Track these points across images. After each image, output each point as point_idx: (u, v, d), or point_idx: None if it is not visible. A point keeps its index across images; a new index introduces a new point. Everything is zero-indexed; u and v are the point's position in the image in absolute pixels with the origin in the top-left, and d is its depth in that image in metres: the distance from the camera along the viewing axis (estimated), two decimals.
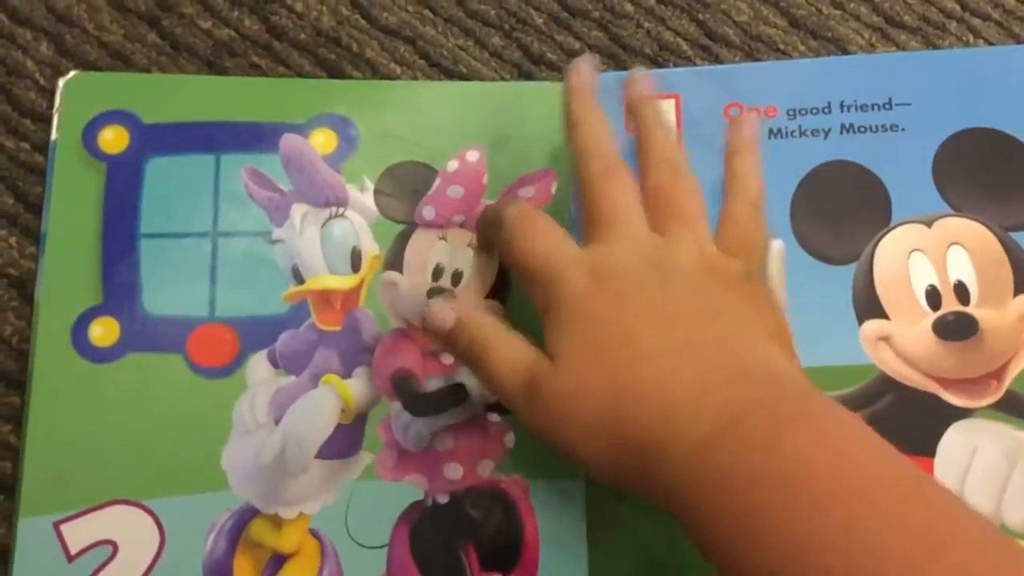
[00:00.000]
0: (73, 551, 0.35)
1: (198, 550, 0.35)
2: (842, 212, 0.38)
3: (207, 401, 0.37)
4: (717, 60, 0.42)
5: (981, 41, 0.42)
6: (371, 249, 0.39)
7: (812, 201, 0.38)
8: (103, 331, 0.37)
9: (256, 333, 0.37)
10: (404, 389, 0.37)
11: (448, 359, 0.37)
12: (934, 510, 0.24)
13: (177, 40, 0.42)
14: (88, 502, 0.36)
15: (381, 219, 0.39)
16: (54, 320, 0.37)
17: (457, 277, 0.39)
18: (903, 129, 0.39)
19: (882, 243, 0.38)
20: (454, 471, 0.37)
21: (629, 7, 0.43)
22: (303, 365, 0.37)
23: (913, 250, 0.37)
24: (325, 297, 0.38)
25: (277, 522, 0.36)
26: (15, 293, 0.38)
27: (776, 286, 0.37)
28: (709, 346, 0.29)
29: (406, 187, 0.39)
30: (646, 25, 0.43)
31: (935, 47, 0.42)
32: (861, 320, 0.37)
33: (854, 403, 0.36)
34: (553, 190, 0.40)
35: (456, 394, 0.37)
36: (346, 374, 0.37)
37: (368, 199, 0.39)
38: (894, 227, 0.38)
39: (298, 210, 0.39)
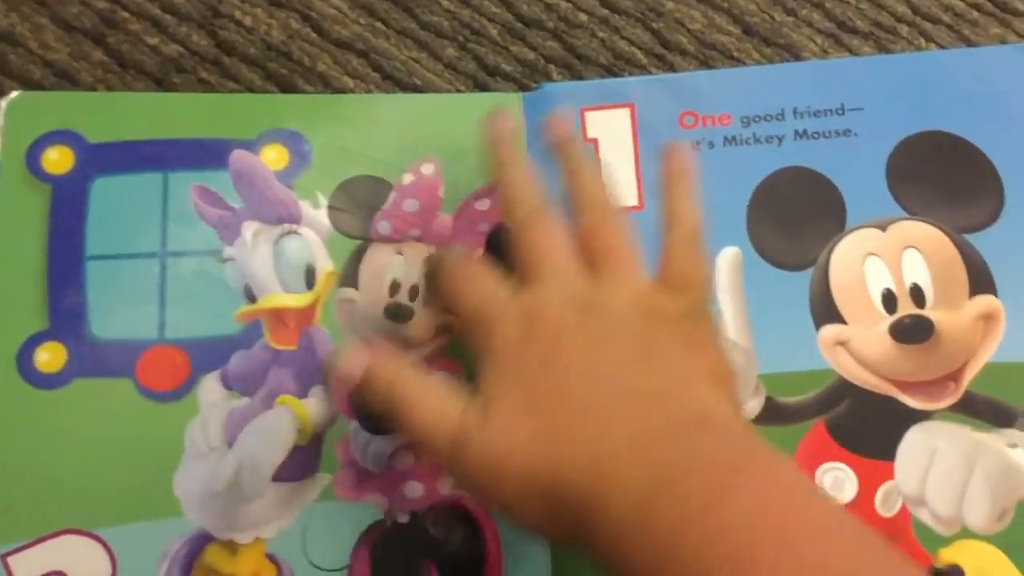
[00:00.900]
0: None
1: None
2: (797, 218, 0.38)
3: (158, 426, 0.36)
4: (672, 69, 0.42)
5: (932, 45, 0.43)
6: (326, 266, 0.38)
7: (768, 208, 0.38)
8: (49, 356, 0.36)
9: (207, 354, 0.37)
10: (363, 407, 0.36)
11: None
12: (879, 566, 0.24)
13: (124, 57, 0.41)
14: (37, 532, 0.35)
15: (336, 235, 0.39)
16: None
17: (415, 292, 0.38)
18: (856, 134, 0.39)
19: (838, 248, 0.38)
20: (414, 490, 0.36)
21: (583, 17, 0.43)
22: (257, 386, 0.37)
23: (868, 254, 0.37)
24: (279, 316, 0.37)
25: (232, 548, 0.35)
26: None
27: (732, 295, 0.37)
28: (643, 396, 0.28)
29: (361, 202, 0.39)
30: (600, 35, 0.43)
31: (887, 52, 0.43)
32: (819, 325, 0.37)
33: (813, 408, 0.36)
34: None
35: None
36: (302, 394, 0.37)
37: (322, 215, 0.39)
38: (849, 232, 0.38)
39: (249, 227, 0.38)
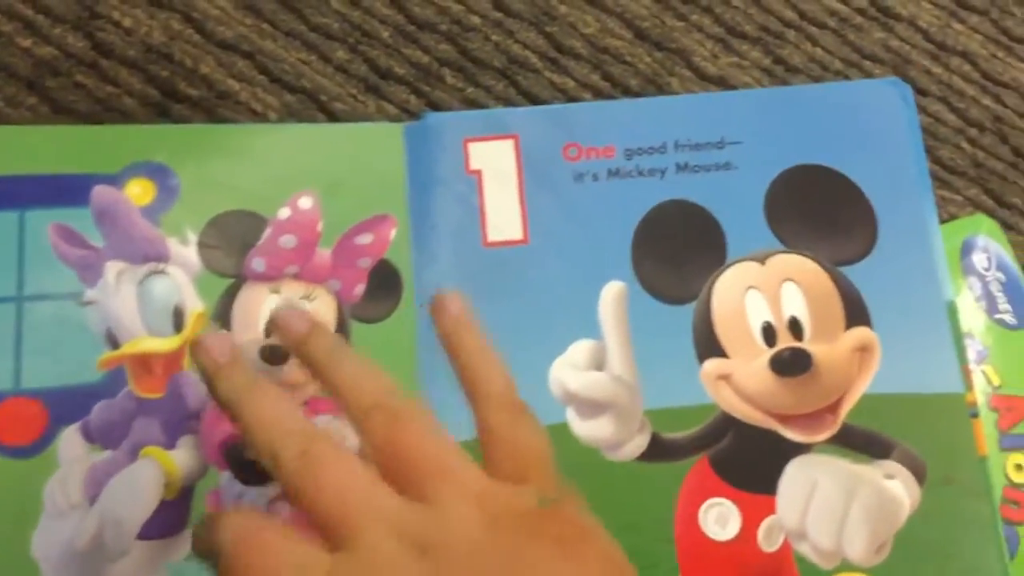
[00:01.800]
0: None
1: None
2: (680, 251, 0.38)
3: (13, 483, 0.34)
4: (566, 72, 0.42)
5: (819, 49, 0.44)
6: (195, 307, 0.36)
7: (651, 241, 0.38)
8: None
9: (67, 405, 0.35)
10: (236, 457, 0.35)
11: None
12: None
13: None
14: None
15: (206, 273, 0.37)
16: None
17: None
18: (735, 167, 0.39)
19: (718, 281, 0.38)
20: None
21: (476, 20, 0.43)
22: (120, 437, 0.35)
23: (748, 287, 0.38)
24: (144, 362, 0.36)
25: None
26: None
27: (617, 329, 0.37)
28: None
29: (233, 238, 0.37)
30: (494, 38, 0.42)
31: (776, 57, 0.43)
32: (702, 359, 0.37)
33: (697, 444, 0.36)
34: (391, 236, 0.38)
35: None
36: (169, 444, 0.35)
37: (191, 252, 0.37)
38: (730, 265, 0.38)
39: (113, 268, 0.36)
